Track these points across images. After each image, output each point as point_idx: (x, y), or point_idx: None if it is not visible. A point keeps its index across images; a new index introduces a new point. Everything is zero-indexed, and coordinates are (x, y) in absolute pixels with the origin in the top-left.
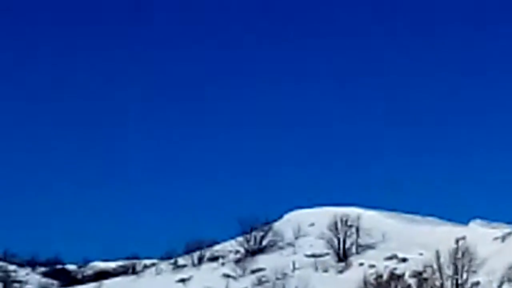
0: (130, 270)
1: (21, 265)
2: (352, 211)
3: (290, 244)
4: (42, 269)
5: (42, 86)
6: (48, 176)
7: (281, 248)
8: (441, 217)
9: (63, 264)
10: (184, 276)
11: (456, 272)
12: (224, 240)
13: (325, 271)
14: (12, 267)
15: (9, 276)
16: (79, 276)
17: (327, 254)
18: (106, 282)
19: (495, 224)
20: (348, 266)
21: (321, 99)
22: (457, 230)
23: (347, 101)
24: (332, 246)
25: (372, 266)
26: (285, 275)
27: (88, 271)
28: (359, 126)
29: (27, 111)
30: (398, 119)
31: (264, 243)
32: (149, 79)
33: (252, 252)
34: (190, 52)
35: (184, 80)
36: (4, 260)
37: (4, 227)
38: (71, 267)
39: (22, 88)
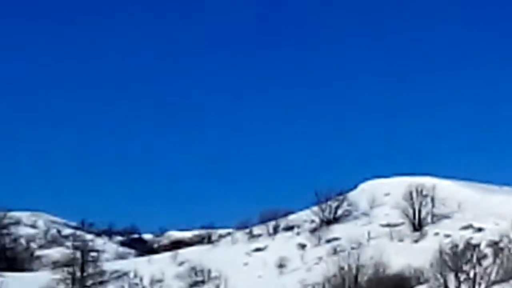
0: (206, 240)
1: (98, 234)
2: (427, 181)
3: (365, 214)
4: (119, 238)
5: None
6: (125, 148)
7: (356, 217)
8: None
9: (140, 233)
10: (259, 245)
11: None
12: (299, 209)
13: (400, 240)
14: (89, 237)
15: (86, 245)
16: (155, 245)
17: (402, 223)
18: (181, 251)
19: None
20: (423, 235)
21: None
22: None
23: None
24: (407, 216)
25: (448, 235)
26: (360, 244)
27: (164, 241)
28: (433, 95)
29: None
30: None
31: (339, 212)
32: None
33: (327, 222)
34: None
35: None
36: (81, 229)
37: (81, 197)
38: (147, 236)
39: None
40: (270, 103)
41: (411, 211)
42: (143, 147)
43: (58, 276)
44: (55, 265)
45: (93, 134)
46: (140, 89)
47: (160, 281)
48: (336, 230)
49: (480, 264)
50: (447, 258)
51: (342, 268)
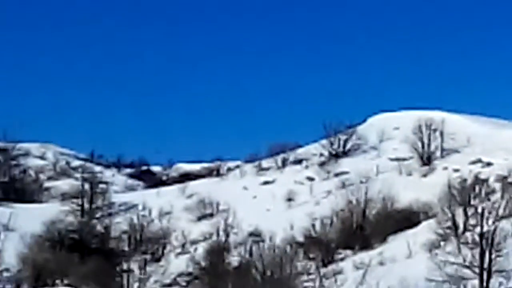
0: (215, 172)
1: (107, 166)
2: (436, 115)
3: (374, 148)
4: (128, 170)
5: None
6: (135, 80)
7: (364, 151)
8: None
9: (148, 165)
10: (268, 178)
11: None
12: (308, 143)
13: (409, 174)
14: (98, 168)
15: (95, 177)
16: (164, 178)
17: (411, 157)
18: (190, 183)
19: None
20: (432, 170)
21: None
22: None
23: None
24: (416, 150)
25: (456, 170)
26: (368, 178)
27: (173, 173)
28: (446, 26)
29: None
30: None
31: (348, 146)
32: None
33: (336, 155)
34: None
35: None
36: (90, 161)
37: (91, 129)
38: (156, 168)
39: None
40: (277, 35)
41: (420, 145)
42: (153, 79)
43: (67, 208)
44: (64, 196)
45: (104, 65)
46: (152, 20)
47: (168, 213)
48: (345, 163)
49: (488, 199)
50: (455, 192)
51: (350, 202)
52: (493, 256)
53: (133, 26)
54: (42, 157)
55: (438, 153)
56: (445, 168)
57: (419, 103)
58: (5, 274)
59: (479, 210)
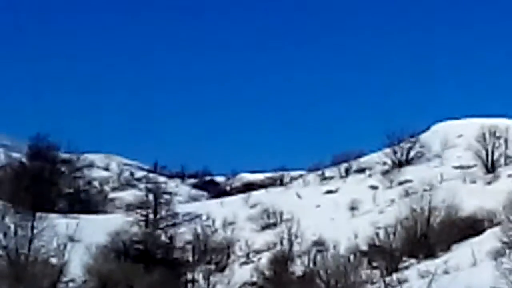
0: (278, 182)
1: (171, 177)
2: (500, 122)
3: (438, 156)
4: (192, 180)
5: None
6: (198, 91)
7: (428, 159)
8: None
9: (212, 175)
10: (331, 187)
11: None
12: (371, 151)
13: (473, 182)
14: (162, 179)
15: (159, 188)
16: (228, 188)
17: (475, 165)
18: (254, 193)
19: None
20: (496, 177)
21: None
22: None
23: None
24: (480, 158)
25: None
26: (432, 186)
27: (236, 183)
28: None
29: None
30: None
31: (411, 154)
32: None
33: (399, 164)
34: None
35: None
36: (154, 172)
37: (154, 140)
38: (219, 179)
39: None
40: (342, 44)
41: (484, 152)
42: (217, 92)
43: (131, 218)
44: (128, 207)
45: (166, 78)
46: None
47: (232, 223)
48: (408, 172)
49: None
50: None
51: (414, 210)
52: None
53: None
54: (106, 168)
55: (502, 161)
56: (510, 176)
57: (483, 110)
58: (71, 284)
59: None
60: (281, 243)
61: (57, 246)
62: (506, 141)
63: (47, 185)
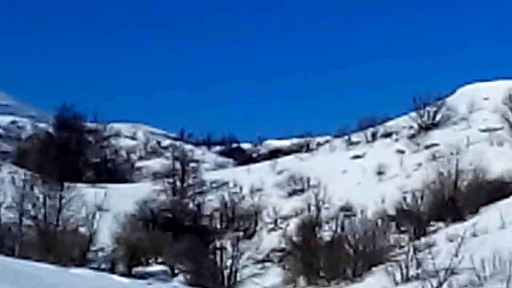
0: (304, 148)
1: (197, 144)
2: None
3: (464, 119)
4: (218, 148)
5: None
6: (223, 58)
7: (454, 123)
8: None
9: (238, 142)
10: (358, 152)
11: None
12: (397, 116)
13: (500, 145)
14: (188, 147)
15: (186, 156)
16: (254, 155)
17: (502, 128)
18: (280, 160)
19: None
20: None
21: None
22: None
23: None
24: (507, 120)
25: None
26: (459, 149)
27: (263, 150)
28: None
29: None
30: None
31: (437, 118)
32: None
33: (426, 128)
34: None
35: None
36: (181, 140)
37: (180, 107)
38: (246, 145)
39: None
40: (365, 8)
41: (511, 115)
42: (240, 56)
43: (158, 187)
44: (156, 176)
45: (191, 45)
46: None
47: (259, 190)
48: (435, 135)
49: None
50: None
51: (441, 174)
52: None
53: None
54: (133, 137)
55: None
56: None
57: (510, 72)
58: (100, 253)
59: None
60: (309, 209)
61: (86, 216)
62: None
63: (74, 155)
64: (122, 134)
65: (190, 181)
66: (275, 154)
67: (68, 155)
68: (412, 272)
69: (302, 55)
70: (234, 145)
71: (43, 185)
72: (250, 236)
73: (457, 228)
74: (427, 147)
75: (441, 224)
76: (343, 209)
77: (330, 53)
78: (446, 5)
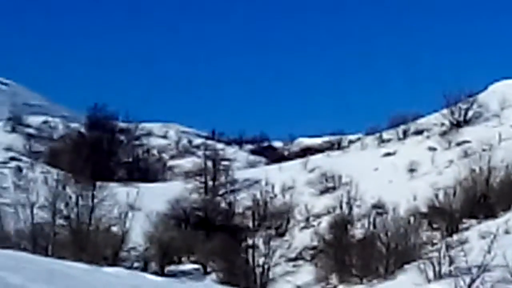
0: (336, 146)
1: (228, 143)
2: None
3: (496, 115)
4: (249, 146)
5: None
6: (254, 57)
7: (486, 119)
8: None
9: (270, 141)
10: (389, 150)
11: None
12: (429, 113)
13: None
14: (220, 146)
15: (217, 154)
16: (286, 153)
17: None
18: (312, 158)
19: None
20: None
21: None
22: None
23: None
24: None
25: None
26: (491, 146)
27: (294, 148)
28: None
29: None
30: None
31: (469, 115)
32: None
33: (457, 125)
34: None
35: None
36: (212, 139)
37: (212, 106)
38: (277, 144)
39: None
40: (397, 3)
41: None
42: (272, 53)
43: (190, 186)
44: (187, 175)
45: (222, 44)
46: None
47: (291, 188)
48: (467, 132)
49: None
50: None
51: (473, 171)
52: None
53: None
54: (164, 137)
55: None
56: None
57: None
58: (133, 252)
59: None
60: (341, 206)
61: (118, 215)
62: None
63: (106, 155)
64: (154, 134)
65: (222, 180)
66: (306, 152)
67: (100, 154)
68: (445, 269)
69: (334, 52)
70: (266, 143)
71: (75, 185)
72: (282, 234)
73: (490, 225)
74: (458, 144)
75: (473, 221)
76: (375, 206)
77: (362, 50)
78: (478, 0)
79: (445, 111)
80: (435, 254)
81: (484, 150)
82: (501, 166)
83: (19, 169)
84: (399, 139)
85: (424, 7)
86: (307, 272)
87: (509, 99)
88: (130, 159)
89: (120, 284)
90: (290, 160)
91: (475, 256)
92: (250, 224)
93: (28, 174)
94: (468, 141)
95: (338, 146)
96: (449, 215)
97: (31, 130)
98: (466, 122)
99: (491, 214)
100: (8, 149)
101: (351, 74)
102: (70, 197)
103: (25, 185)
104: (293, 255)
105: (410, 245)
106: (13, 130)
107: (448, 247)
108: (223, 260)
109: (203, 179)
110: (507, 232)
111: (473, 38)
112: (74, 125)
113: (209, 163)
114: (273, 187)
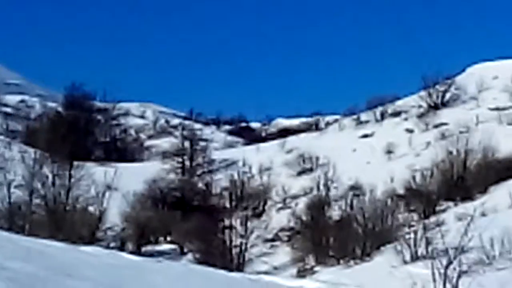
0: (313, 127)
1: (206, 123)
2: None
3: (473, 98)
4: (227, 127)
5: None
6: (233, 39)
7: (464, 102)
8: None
9: (247, 122)
10: (367, 131)
11: None
12: (406, 95)
13: (509, 124)
14: (198, 126)
15: (195, 135)
16: (263, 134)
17: (511, 107)
18: (290, 139)
19: None
20: None
21: None
22: None
23: None
24: None
25: None
26: (468, 128)
27: (272, 129)
28: None
29: None
30: None
31: (446, 97)
32: None
33: (435, 107)
34: None
35: None
36: (190, 119)
37: (190, 87)
38: (255, 125)
39: None
40: None
41: None
42: (250, 35)
43: (167, 166)
44: (165, 155)
45: (197, 24)
46: None
47: (268, 169)
48: (444, 115)
49: None
50: None
51: (450, 153)
52: None
53: None
54: (142, 116)
55: None
56: None
57: None
58: (110, 232)
59: None
60: (318, 188)
61: (95, 195)
62: None
63: (84, 134)
64: (131, 113)
65: (199, 160)
66: (284, 133)
67: (77, 134)
68: (421, 251)
69: (312, 34)
70: (243, 124)
71: (52, 164)
72: (259, 215)
73: (466, 207)
74: (436, 126)
75: (450, 203)
76: (352, 188)
77: (340, 32)
78: None
79: (422, 93)
80: (412, 235)
81: (461, 132)
82: (478, 148)
83: None
84: (377, 120)
85: None
86: (284, 253)
87: (487, 81)
88: (108, 139)
89: (97, 263)
90: (268, 141)
91: (451, 238)
92: (227, 205)
93: (5, 153)
94: (445, 123)
95: (316, 127)
96: (426, 197)
97: (8, 109)
98: (444, 104)
99: (468, 196)
100: None
101: (329, 55)
102: (47, 177)
103: (2, 164)
104: (270, 236)
105: (387, 226)
106: None
107: (425, 228)
108: (200, 240)
109: (180, 159)
110: (483, 214)
111: (451, 21)
112: (51, 104)
113: (187, 144)
114: (250, 168)
